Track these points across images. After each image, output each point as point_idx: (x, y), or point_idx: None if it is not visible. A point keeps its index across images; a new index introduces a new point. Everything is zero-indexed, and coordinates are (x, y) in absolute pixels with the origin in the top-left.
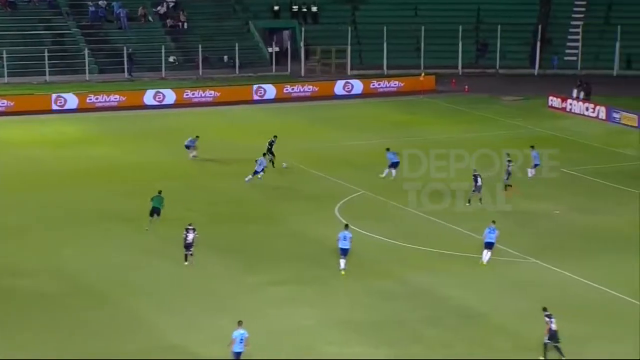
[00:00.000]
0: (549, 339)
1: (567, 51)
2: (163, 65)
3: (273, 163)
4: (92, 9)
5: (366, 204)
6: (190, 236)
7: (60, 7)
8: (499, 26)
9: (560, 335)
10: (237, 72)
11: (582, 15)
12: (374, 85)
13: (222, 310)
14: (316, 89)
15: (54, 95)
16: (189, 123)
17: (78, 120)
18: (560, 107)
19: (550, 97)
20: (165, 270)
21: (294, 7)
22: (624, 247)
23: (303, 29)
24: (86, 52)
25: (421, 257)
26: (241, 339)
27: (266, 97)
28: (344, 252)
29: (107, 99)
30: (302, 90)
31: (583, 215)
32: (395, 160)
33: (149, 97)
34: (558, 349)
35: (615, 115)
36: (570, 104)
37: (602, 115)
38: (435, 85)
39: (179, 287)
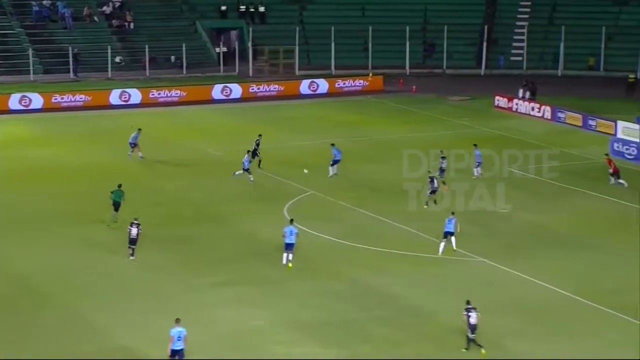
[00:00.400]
0: (472, 333)
1: (513, 51)
2: (109, 65)
3: (260, 163)
4: (36, 8)
5: (315, 204)
6: (134, 231)
7: (3, 7)
8: (446, 27)
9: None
10: (184, 72)
11: (527, 16)
12: (339, 84)
13: (170, 311)
14: (282, 89)
15: (18, 95)
16: (150, 123)
17: (39, 121)
18: (506, 107)
19: (497, 97)
20: (113, 271)
21: (242, 7)
22: (570, 246)
23: (251, 29)
24: (30, 52)
25: (371, 257)
26: (179, 337)
27: (232, 96)
28: (289, 247)
29: (73, 99)
30: (267, 89)
31: (530, 214)
32: (338, 158)
33: (114, 97)
34: (469, 339)
35: (560, 115)
36: (516, 104)
37: (548, 115)
38: (383, 85)
39: (127, 288)
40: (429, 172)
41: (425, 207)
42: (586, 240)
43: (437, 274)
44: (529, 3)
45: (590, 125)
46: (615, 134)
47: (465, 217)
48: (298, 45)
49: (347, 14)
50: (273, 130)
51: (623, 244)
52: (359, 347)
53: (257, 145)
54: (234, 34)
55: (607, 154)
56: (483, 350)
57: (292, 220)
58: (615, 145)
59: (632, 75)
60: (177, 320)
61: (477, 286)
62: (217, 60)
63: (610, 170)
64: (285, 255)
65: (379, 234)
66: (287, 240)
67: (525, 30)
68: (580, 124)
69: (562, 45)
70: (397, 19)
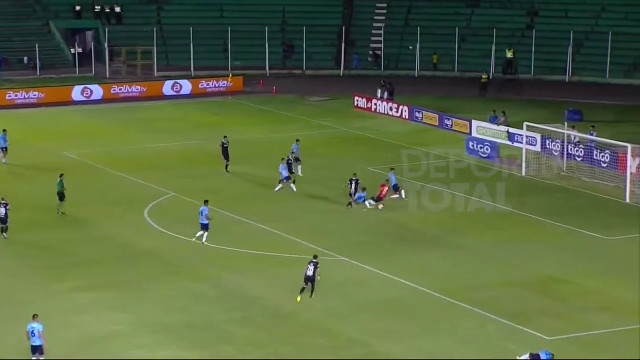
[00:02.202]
0: (304, 282)
1: (371, 52)
2: None
3: (227, 167)
4: None
5: (176, 206)
6: (2, 210)
7: None
8: (304, 27)
9: (314, 281)
10: (38, 73)
11: (383, 17)
12: (202, 85)
13: (29, 318)
14: (144, 90)
15: None
16: (6, 126)
17: None
18: (365, 107)
19: (356, 97)
20: None
21: (97, 7)
22: (429, 243)
23: (107, 29)
24: None
25: (232, 258)
26: (32, 332)
27: (93, 97)
28: (202, 227)
29: None
30: (129, 90)
31: (389, 212)
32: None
33: None
34: (304, 290)
35: (417, 114)
36: (375, 104)
37: (406, 114)
38: (243, 86)
39: None
40: (354, 174)
41: (348, 207)
42: (445, 237)
43: (298, 274)
44: (384, 5)
45: (446, 125)
46: (470, 133)
47: (327, 216)
48: (156, 46)
49: (205, 15)
50: (133, 132)
51: (481, 241)
52: (221, 348)
53: (224, 147)
54: (89, 34)
55: (387, 180)
56: (298, 298)
57: (206, 202)
58: (470, 143)
59: (484, 75)
60: (34, 316)
61: (339, 285)
62: (72, 61)
63: (376, 196)
64: (199, 233)
65: (241, 235)
66: (200, 221)
67: (382, 32)
68: (436, 123)
69: (418, 46)
70: (256, 20)
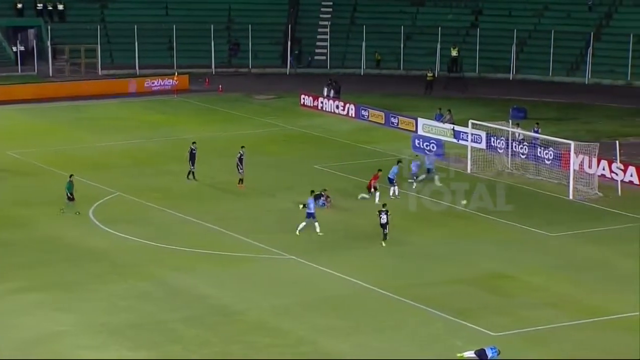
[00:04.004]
0: (383, 229)
1: (317, 50)
2: None
3: (192, 174)
4: None
5: (122, 206)
6: None
7: None
8: (250, 26)
9: (388, 226)
10: None
11: (329, 16)
12: (148, 83)
13: None
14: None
15: None
16: None
17: None
18: (312, 105)
19: (303, 96)
20: None
21: (39, 4)
22: (375, 241)
23: (49, 27)
24: None
25: (179, 258)
26: None
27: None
28: (307, 215)
29: None
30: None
31: (336, 211)
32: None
33: None
34: (384, 235)
35: (363, 112)
36: (322, 102)
37: (352, 113)
38: (189, 84)
39: None
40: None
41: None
42: (392, 235)
43: (246, 273)
44: (330, 3)
45: (393, 123)
46: (416, 131)
47: (275, 215)
48: (100, 45)
49: (150, 13)
50: (78, 131)
51: (427, 239)
52: (168, 348)
53: (191, 153)
54: (31, 32)
55: (380, 169)
56: (383, 243)
57: (312, 192)
58: (416, 141)
59: (430, 74)
60: None
61: (286, 283)
62: (14, 59)
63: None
64: (314, 224)
65: (187, 233)
66: (307, 210)
67: (327, 30)
68: (382, 121)
69: (363, 44)
70: (201, 18)
